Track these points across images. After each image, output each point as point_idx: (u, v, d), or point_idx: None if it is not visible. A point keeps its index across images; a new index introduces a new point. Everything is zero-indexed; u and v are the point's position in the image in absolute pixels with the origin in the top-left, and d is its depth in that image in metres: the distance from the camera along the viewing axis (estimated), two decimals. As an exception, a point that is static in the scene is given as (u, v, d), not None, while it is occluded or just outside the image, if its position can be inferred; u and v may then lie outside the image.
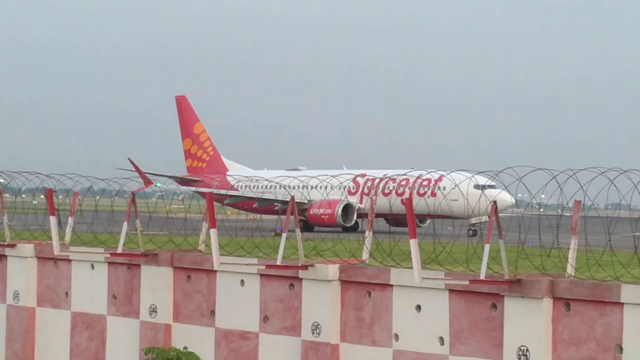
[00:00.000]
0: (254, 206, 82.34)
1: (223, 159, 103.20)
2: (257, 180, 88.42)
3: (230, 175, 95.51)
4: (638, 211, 27.12)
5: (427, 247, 29.44)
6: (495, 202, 26.93)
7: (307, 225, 79.77)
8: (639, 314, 24.76)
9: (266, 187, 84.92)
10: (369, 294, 29.60)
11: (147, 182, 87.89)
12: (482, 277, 26.22)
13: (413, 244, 26.40)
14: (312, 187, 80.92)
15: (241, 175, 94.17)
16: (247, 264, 31.88)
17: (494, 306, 27.11)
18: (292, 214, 30.54)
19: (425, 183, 76.46)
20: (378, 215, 72.13)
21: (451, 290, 27.87)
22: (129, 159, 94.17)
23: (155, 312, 34.18)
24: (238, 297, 32.39)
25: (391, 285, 29.06)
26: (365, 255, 31.21)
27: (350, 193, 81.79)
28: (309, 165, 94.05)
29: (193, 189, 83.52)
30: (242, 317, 32.28)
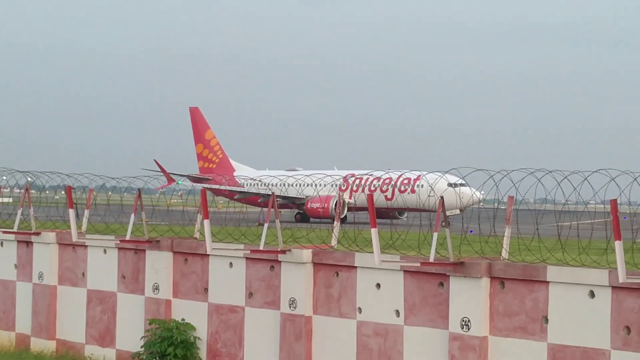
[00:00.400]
0: (259, 201, 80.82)
1: (231, 160, 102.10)
2: (260, 179, 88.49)
3: (237, 175, 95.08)
4: (561, 204, 27.19)
5: (386, 235, 29.51)
6: (442, 197, 27.04)
7: (304, 217, 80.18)
8: (561, 290, 24.91)
9: (267, 184, 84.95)
10: (337, 274, 29.67)
11: (170, 180, 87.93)
12: (432, 260, 26.30)
13: (374, 232, 26.47)
14: (307, 185, 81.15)
15: (247, 174, 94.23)
16: (234, 249, 32.04)
17: (441, 284, 27.19)
18: (272, 207, 30.63)
19: (405, 182, 76.23)
20: (362, 209, 73.29)
21: (405, 271, 27.95)
22: (155, 160, 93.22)
23: (158, 289, 34.17)
24: (227, 276, 32.47)
25: (355, 267, 29.14)
26: (334, 242, 31.34)
27: (341, 190, 79.97)
28: (305, 166, 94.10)
29: (207, 185, 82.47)
30: (230, 294, 32.35)
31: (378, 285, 28.70)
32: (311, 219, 76.60)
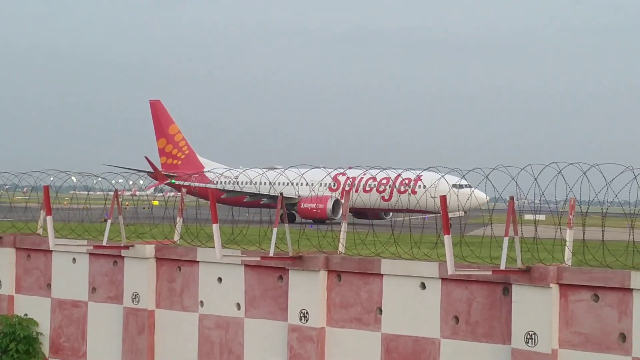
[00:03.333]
0: (244, 200, 74.07)
1: (199, 157, 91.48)
2: (237, 177, 74.70)
3: (209, 172, 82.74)
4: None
5: (227, 230, 28.97)
6: (282, 192, 26.73)
7: (292, 218, 73.14)
8: (394, 282, 24.94)
9: (246, 183, 73.64)
10: (180, 268, 29.03)
11: (162, 179, 79.62)
12: (272, 254, 25.93)
13: (215, 228, 25.81)
14: (295, 184, 71.25)
15: (219, 172, 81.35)
16: (78, 245, 30.97)
17: (281, 278, 26.87)
18: (116, 203, 29.66)
19: (406, 182, 69.34)
20: (355, 209, 68.65)
21: (246, 265, 27.53)
22: (146, 157, 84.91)
23: (0, 285, 32.77)
24: (70, 272, 31.40)
25: (197, 262, 28.57)
26: (176, 237, 30.63)
27: (331, 190, 74.59)
28: (284, 165, 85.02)
29: (195, 184, 75.65)
30: (73, 289, 31.29)
31: (220, 279, 28.16)
32: (300, 219, 71.01)
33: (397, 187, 70.70)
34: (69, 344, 31.35)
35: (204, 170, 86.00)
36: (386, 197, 70.96)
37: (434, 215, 57.90)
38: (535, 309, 22.47)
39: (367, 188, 73.42)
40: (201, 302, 28.52)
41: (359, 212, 70.63)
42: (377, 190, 72.51)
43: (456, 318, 24.01)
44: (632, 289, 21.47)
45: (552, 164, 23.86)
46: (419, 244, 26.19)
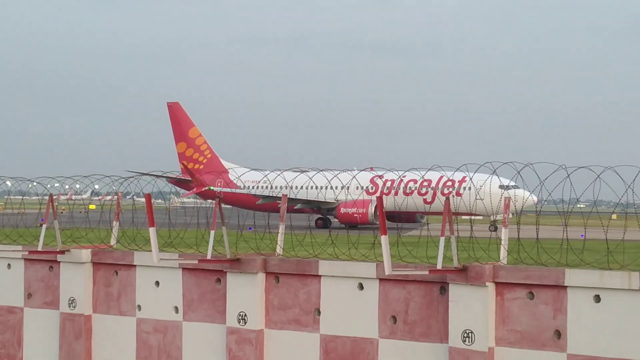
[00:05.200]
0: (278, 205, 68.84)
1: (221, 160, 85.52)
2: (267, 180, 69.78)
3: (236, 176, 77.15)
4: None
5: (164, 233, 28.33)
6: (219, 195, 26.17)
7: (327, 223, 70.13)
8: (332, 283, 24.52)
9: (279, 187, 68.18)
10: (116, 273, 28.29)
11: (199, 186, 72.55)
12: (209, 257, 25.36)
13: (152, 231, 25.10)
14: (330, 188, 64.29)
15: (247, 176, 75.50)
16: (12, 250, 30.08)
17: (219, 280, 26.29)
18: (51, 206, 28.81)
19: (449, 184, 66.07)
20: (395, 213, 63.27)
21: (184, 269, 26.89)
22: (182, 162, 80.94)
23: None
24: (5, 278, 30.36)
25: (135, 266, 27.86)
26: (113, 241, 29.90)
27: (368, 193, 70.26)
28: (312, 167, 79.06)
29: (227, 190, 72.25)
30: (8, 295, 30.26)
31: (157, 283, 27.48)
32: (338, 225, 67.17)
33: (440, 189, 66.87)
34: (4, 350, 30.35)
35: (230, 174, 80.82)
36: (428, 200, 66.05)
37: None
38: (471, 308, 22.24)
39: (408, 191, 69.01)
40: (139, 306, 27.82)
41: (393, 216, 65.37)
42: (419, 193, 68.39)
43: (394, 318, 23.68)
44: (566, 287, 21.35)
45: (487, 163, 23.75)
46: (356, 245, 25.85)
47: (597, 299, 21.04)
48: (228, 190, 74.56)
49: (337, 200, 67.77)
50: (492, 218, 57.86)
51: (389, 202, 66.24)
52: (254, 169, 70.77)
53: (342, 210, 68.73)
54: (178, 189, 76.50)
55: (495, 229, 51.05)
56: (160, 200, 34.42)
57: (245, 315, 25.40)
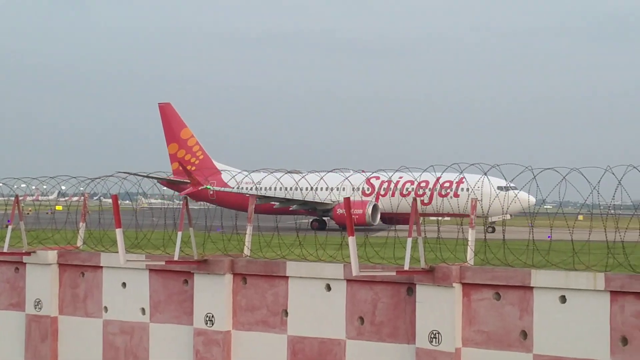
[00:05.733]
0: (274, 207, 67.39)
1: (214, 162, 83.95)
2: (259, 182, 68.47)
3: (230, 177, 75.58)
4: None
5: (131, 234, 28.03)
6: (186, 197, 25.93)
7: (323, 224, 68.76)
8: (300, 284, 24.36)
9: (273, 188, 66.19)
10: (83, 274, 27.97)
11: (197, 184, 71.70)
12: (176, 258, 25.12)
13: (118, 232, 24.72)
14: (326, 189, 66.46)
15: (240, 176, 71.39)
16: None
17: (186, 282, 26.05)
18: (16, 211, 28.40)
19: (447, 184, 65.30)
20: (392, 215, 63.16)
21: (151, 270, 26.62)
22: (179, 162, 79.44)
23: None
24: None
25: (101, 267, 27.54)
26: (79, 243, 29.52)
27: (364, 194, 68.98)
28: (306, 168, 77.57)
29: (227, 189, 70.95)
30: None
31: (124, 284, 27.18)
32: (328, 227, 65.88)
33: (437, 190, 65.40)
34: (-31, 352, 29.92)
35: (223, 175, 78.97)
36: (425, 201, 63.91)
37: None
38: (438, 309, 22.16)
39: (405, 192, 67.70)
40: (105, 307, 27.50)
41: (389, 218, 65.83)
42: (416, 194, 64.81)
43: (361, 319, 23.56)
44: (532, 287, 21.33)
45: (454, 164, 23.70)
46: (324, 246, 25.71)
47: (563, 299, 21.03)
48: (220, 189, 73.32)
49: (333, 202, 66.55)
50: (489, 220, 56.69)
51: (385, 204, 65.89)
52: (245, 171, 69.44)
53: (339, 211, 66.79)
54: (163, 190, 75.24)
55: (493, 230, 50.60)
56: (127, 201, 34.06)
57: (212, 316, 25.18)
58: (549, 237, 23.15)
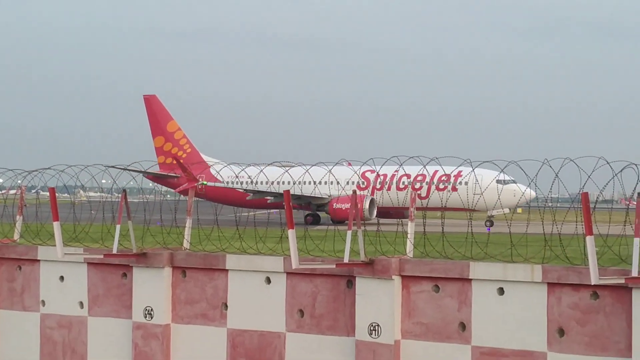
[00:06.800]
0: (268, 202, 65.75)
1: (202, 155, 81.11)
2: (249, 175, 63.51)
3: (217, 171, 72.97)
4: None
5: (69, 227, 27.39)
6: (124, 192, 25.38)
7: (317, 219, 67.27)
8: (239, 277, 23.99)
9: (266, 182, 63.04)
10: (20, 268, 27.30)
11: (191, 181, 67.39)
12: (115, 251, 24.61)
13: (56, 225, 24.20)
14: (319, 183, 62.41)
15: (229, 171, 69.00)
16: None
17: (125, 275, 25.55)
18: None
19: (444, 178, 62.14)
20: (391, 209, 63.29)
21: (89, 263, 26.06)
22: (175, 157, 77.12)
23: None
24: None
25: (39, 260, 26.91)
26: (16, 236, 28.78)
27: (359, 188, 64.10)
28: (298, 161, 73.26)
29: (217, 184, 68.55)
30: None
31: (62, 278, 26.58)
32: (321, 221, 64.18)
33: (435, 183, 63.25)
34: None
35: (211, 169, 75.66)
36: (423, 195, 61.12)
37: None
38: (378, 301, 21.96)
39: (401, 186, 65.93)
40: (43, 301, 26.85)
41: (384, 212, 64.61)
42: (413, 188, 65.46)
43: (301, 312, 23.26)
44: (471, 279, 21.22)
45: (393, 157, 23.53)
46: (264, 239, 25.36)
47: (501, 291, 20.95)
48: (214, 184, 70.99)
49: (330, 196, 64.87)
50: (489, 213, 56.17)
51: (384, 198, 64.37)
52: (233, 163, 68.10)
53: (335, 205, 65.57)
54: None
55: (492, 224, 49.88)
56: (66, 194, 33.34)
57: (151, 310, 24.71)
58: (487, 229, 23.08)
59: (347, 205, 62.87)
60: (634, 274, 18.85)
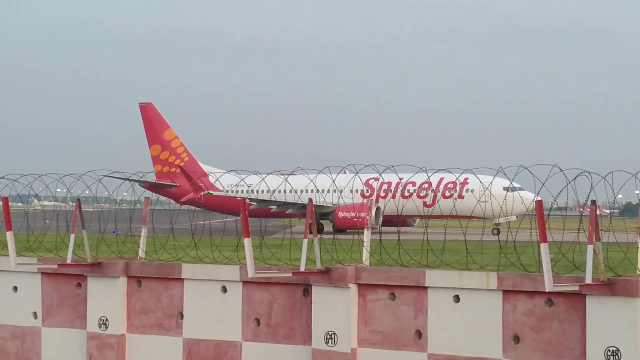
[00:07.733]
0: (271, 210, 63.96)
1: (200, 164, 78.96)
2: (250, 184, 66.05)
3: (218, 180, 71.63)
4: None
5: (22, 237, 26.81)
6: (79, 202, 24.92)
7: (321, 228, 62.31)
8: (195, 286, 23.62)
9: (267, 191, 63.15)
10: (-28, 278, 26.68)
11: (197, 190, 68.67)
12: (69, 261, 24.11)
13: (9, 235, 23.67)
14: (322, 191, 59.01)
15: (228, 180, 68.98)
16: None
17: (79, 285, 25.06)
18: None
19: (450, 186, 62.01)
20: (393, 217, 60.61)
21: (43, 273, 25.51)
22: (180, 167, 73.72)
23: None
24: None
25: None
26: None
27: (363, 196, 64.99)
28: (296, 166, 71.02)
29: (218, 193, 66.94)
30: None
31: (15, 288, 25.99)
32: (333, 230, 59.79)
33: (441, 191, 62.71)
34: None
35: (210, 178, 74.18)
36: (428, 203, 60.72)
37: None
38: (334, 309, 21.73)
39: (406, 194, 62.92)
40: (-5, 312, 26.31)
41: (387, 220, 62.67)
42: (418, 196, 62.08)
43: (257, 320, 22.96)
44: (427, 287, 21.08)
45: (349, 165, 23.34)
46: (220, 248, 25.03)
47: (457, 299, 20.83)
48: (219, 193, 69.27)
49: (334, 204, 62.81)
50: (495, 221, 55.35)
51: (388, 206, 62.44)
52: (231, 171, 66.95)
53: (341, 214, 63.52)
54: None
55: (498, 232, 49.43)
56: (20, 203, 32.72)
57: (106, 320, 24.26)
58: (444, 238, 22.97)
59: (353, 214, 61.66)
60: (588, 280, 18.81)
